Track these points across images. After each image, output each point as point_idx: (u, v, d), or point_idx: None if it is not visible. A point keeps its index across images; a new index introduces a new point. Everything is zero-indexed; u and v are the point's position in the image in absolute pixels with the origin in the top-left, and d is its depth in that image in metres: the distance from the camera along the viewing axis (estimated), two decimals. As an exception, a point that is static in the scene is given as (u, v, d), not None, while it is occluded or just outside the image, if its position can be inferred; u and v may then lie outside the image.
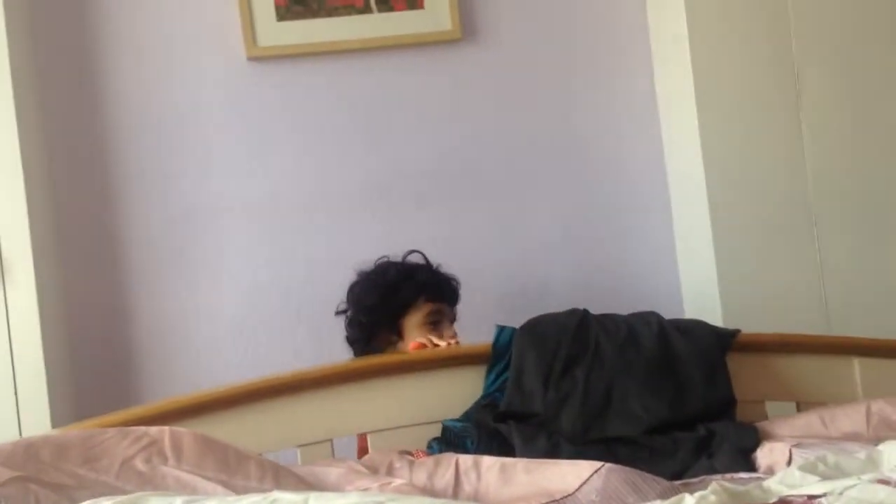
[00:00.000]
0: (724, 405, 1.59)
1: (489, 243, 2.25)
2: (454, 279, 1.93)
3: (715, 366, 1.63)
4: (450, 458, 1.39)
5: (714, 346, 1.66)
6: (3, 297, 1.86)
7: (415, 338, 1.80)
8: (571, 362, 1.62)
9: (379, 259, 1.92)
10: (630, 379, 1.59)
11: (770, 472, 1.32)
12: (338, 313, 1.91)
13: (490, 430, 1.54)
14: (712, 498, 1.01)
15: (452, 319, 1.90)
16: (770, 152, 2.14)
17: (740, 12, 2.14)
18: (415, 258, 1.93)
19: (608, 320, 1.69)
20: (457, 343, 1.80)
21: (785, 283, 2.12)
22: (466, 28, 2.25)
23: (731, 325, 1.80)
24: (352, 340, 1.87)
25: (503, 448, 1.49)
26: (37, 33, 2.10)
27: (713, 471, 1.36)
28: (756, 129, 2.14)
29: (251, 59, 2.16)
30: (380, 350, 1.84)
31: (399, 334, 1.84)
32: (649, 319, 1.69)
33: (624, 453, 1.45)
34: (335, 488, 1.31)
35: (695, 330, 1.69)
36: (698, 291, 2.22)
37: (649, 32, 2.32)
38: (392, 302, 1.82)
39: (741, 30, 2.14)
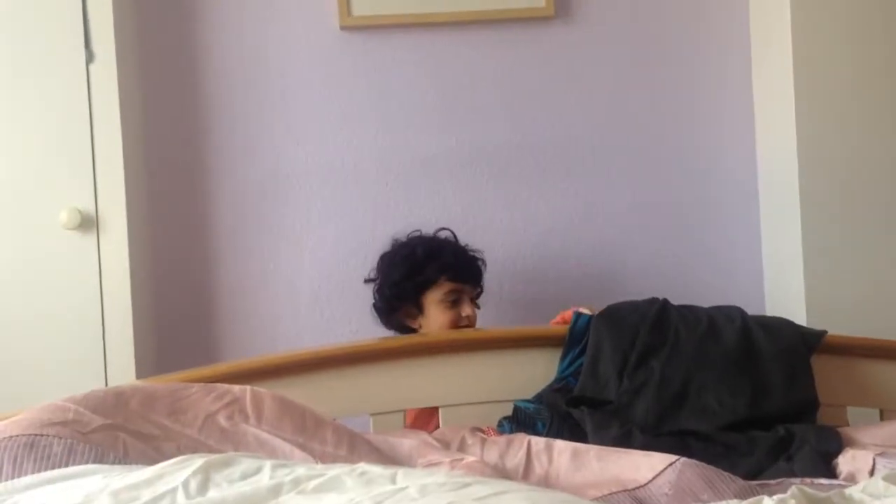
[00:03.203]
0: (805, 407, 1.55)
1: (569, 224, 2.23)
2: (480, 260, 2.00)
3: (798, 366, 1.59)
4: (522, 439, 1.39)
5: (799, 345, 1.61)
6: (97, 249, 1.94)
7: (434, 313, 1.91)
8: (648, 352, 1.60)
9: (411, 233, 2.01)
10: (708, 373, 1.56)
11: (851, 479, 1.28)
12: (367, 281, 2.01)
13: (562, 413, 1.53)
14: (792, 502, 0.98)
15: (474, 297, 1.98)
16: (867, 147, 2.06)
17: (847, 8, 2.05)
18: (445, 235, 2.00)
19: (689, 312, 1.66)
20: (471, 322, 1.90)
21: (875, 284, 2.04)
22: (560, 5, 2.21)
23: (814, 325, 1.76)
24: (377, 308, 1.98)
25: (574, 432, 1.49)
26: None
27: (791, 474, 1.32)
28: (854, 125, 2.06)
29: (344, 28, 2.17)
30: (401, 320, 1.95)
31: (420, 309, 1.93)
32: (732, 314, 1.66)
33: (698, 448, 1.43)
34: (407, 459, 1.33)
35: (780, 328, 1.65)
36: (782, 288, 2.16)
37: (749, 13, 2.24)
38: (415, 279, 1.92)
39: (847, 27, 2.05)
